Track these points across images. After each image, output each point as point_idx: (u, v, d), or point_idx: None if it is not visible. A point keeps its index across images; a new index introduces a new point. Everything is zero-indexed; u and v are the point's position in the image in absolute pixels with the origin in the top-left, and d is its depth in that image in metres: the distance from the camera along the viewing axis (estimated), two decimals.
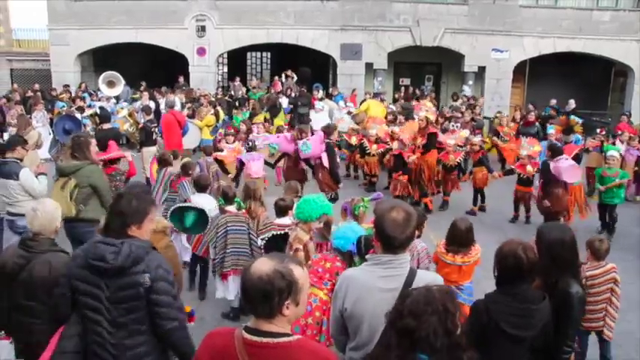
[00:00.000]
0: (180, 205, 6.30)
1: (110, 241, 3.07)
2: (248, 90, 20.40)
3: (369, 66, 20.94)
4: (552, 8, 20.94)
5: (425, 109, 11.06)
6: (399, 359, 2.39)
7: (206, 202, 6.62)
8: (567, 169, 8.89)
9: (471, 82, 21.03)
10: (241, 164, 10.14)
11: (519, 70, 21.70)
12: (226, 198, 6.37)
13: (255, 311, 2.30)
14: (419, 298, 2.41)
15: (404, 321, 2.38)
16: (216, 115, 14.77)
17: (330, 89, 19.66)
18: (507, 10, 20.45)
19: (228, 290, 6.08)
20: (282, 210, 5.95)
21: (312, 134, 10.97)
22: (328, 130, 9.79)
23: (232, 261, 5.96)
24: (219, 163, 10.48)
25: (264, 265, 2.25)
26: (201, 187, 6.99)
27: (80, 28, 20.94)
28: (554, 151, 9.24)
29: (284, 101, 17.78)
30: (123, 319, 3.06)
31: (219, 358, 2.33)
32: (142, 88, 18.29)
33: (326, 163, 9.44)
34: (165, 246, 4.52)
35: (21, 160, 6.60)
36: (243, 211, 6.10)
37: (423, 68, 23.34)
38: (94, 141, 6.46)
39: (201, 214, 6.00)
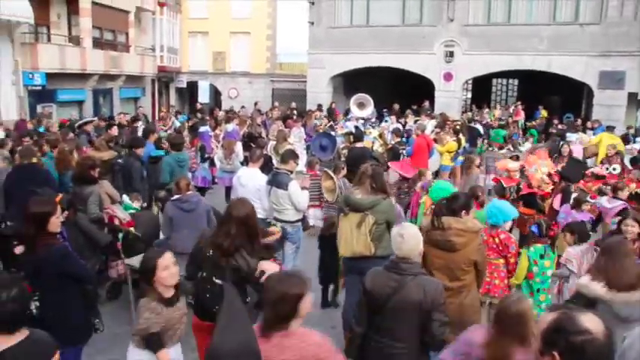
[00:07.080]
0: None
1: None
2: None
3: (632, 96, 18.93)
4: None
5: None
6: None
7: None
8: None
9: None
10: None
11: None
12: None
13: None
14: None
15: None
16: (459, 142, 14.54)
17: (589, 123, 17.70)
18: None
19: None
20: None
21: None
22: None
23: None
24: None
25: None
26: None
27: (334, 53, 22.60)
28: None
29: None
30: None
31: None
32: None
33: None
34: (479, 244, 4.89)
35: (291, 172, 7.15)
36: None
37: None
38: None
39: None
